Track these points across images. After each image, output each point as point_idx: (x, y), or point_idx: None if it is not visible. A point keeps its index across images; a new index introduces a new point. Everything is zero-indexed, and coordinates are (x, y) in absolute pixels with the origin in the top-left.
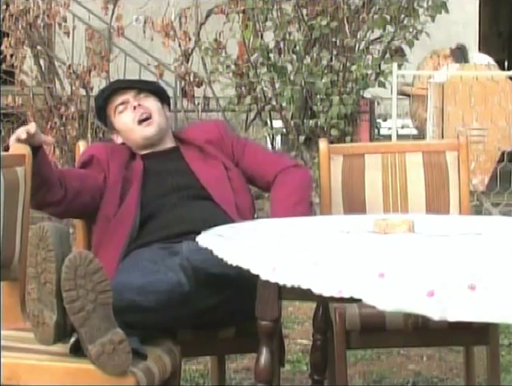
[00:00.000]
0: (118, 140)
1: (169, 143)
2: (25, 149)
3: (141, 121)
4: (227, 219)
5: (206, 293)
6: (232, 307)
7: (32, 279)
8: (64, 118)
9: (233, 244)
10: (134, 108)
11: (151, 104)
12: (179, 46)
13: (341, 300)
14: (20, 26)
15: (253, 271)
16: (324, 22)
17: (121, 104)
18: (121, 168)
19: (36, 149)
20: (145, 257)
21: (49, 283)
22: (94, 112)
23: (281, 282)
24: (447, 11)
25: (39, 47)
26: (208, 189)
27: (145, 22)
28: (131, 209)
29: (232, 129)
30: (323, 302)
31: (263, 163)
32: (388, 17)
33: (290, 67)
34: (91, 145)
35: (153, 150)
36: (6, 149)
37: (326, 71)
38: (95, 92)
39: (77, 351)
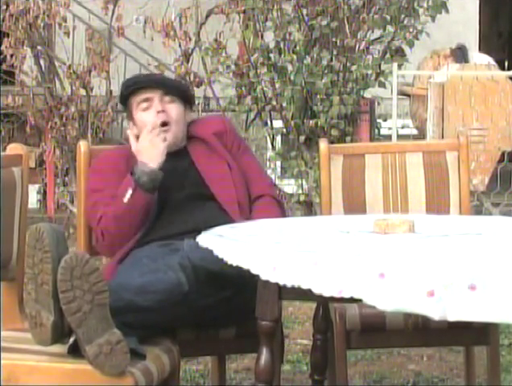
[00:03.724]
0: (134, 130)
1: (180, 143)
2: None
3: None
4: (228, 221)
5: (205, 292)
6: (231, 306)
7: (29, 280)
8: (64, 118)
9: (234, 244)
10: (157, 112)
11: (174, 111)
12: (180, 46)
13: (341, 300)
14: (20, 26)
15: (254, 271)
16: (324, 22)
17: (146, 100)
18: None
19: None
20: (144, 255)
21: (46, 284)
22: (120, 89)
23: (281, 282)
24: (447, 11)
25: (39, 47)
26: (211, 188)
27: (145, 22)
28: None
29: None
30: (323, 302)
31: (253, 177)
32: (388, 17)
33: (290, 68)
34: (104, 155)
35: None
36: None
37: (326, 71)
38: (95, 92)
39: (75, 351)
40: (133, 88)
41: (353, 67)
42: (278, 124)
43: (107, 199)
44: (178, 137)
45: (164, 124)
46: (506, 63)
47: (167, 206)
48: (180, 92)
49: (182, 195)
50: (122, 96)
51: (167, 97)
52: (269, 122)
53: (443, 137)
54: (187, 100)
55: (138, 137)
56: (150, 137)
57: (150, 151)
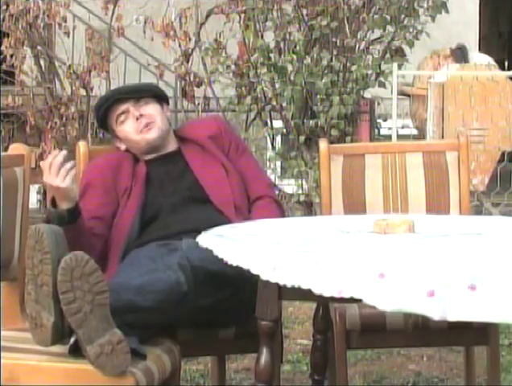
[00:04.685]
0: (122, 147)
1: (172, 145)
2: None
3: (143, 129)
4: (226, 221)
5: (205, 292)
6: (231, 306)
7: (29, 281)
8: (64, 118)
9: (234, 244)
10: (137, 118)
11: (152, 110)
12: (179, 46)
13: (341, 300)
14: (20, 26)
15: (254, 271)
16: (324, 23)
17: (122, 113)
18: (129, 176)
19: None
20: (143, 255)
21: (46, 285)
22: (94, 114)
23: (281, 282)
24: (447, 11)
25: (39, 47)
26: (207, 191)
27: (145, 23)
28: (131, 213)
29: (232, 128)
30: (323, 302)
31: (252, 179)
32: (388, 17)
33: (290, 68)
34: (92, 167)
35: (156, 155)
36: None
37: (326, 71)
38: (95, 92)
39: (76, 351)
40: (105, 106)
41: (353, 67)
42: (278, 124)
43: None
44: (164, 131)
45: (145, 126)
46: (506, 63)
47: (163, 209)
48: (151, 93)
49: (178, 198)
50: (99, 120)
51: (141, 102)
52: (269, 122)
53: (443, 137)
54: (161, 98)
55: (127, 151)
56: (51, 180)
57: (56, 193)
